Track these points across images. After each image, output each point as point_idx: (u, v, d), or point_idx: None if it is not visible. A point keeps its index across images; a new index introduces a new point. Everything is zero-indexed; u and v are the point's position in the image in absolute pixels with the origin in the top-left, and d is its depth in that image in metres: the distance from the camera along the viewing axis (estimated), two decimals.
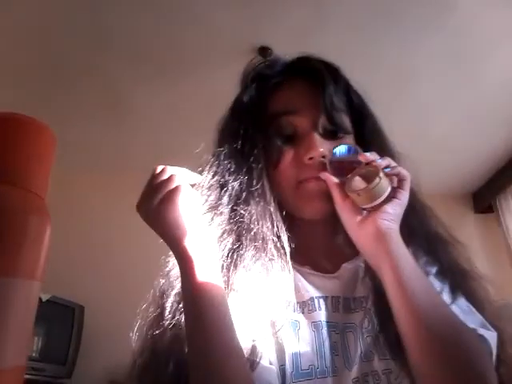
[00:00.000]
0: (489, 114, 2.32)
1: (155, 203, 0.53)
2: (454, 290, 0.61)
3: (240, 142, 0.67)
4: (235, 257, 0.61)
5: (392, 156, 0.68)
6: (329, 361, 0.60)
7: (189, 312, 0.53)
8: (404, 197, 0.59)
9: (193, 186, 0.59)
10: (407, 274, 0.55)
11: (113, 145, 2.58)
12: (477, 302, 0.62)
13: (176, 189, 0.53)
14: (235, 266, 0.60)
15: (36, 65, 2.04)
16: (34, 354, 1.97)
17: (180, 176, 0.56)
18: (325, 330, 0.62)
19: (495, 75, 2.07)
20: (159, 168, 0.58)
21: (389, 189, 0.58)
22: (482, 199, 3.00)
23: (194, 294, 0.52)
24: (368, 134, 0.70)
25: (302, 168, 0.64)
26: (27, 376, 1.74)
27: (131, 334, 0.60)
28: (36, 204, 0.33)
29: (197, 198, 0.56)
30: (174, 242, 0.54)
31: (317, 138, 0.64)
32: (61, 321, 2.19)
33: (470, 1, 1.71)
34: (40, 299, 0.33)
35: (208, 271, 0.53)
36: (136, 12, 1.78)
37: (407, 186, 0.60)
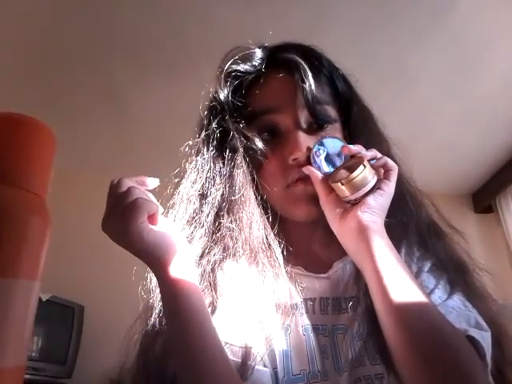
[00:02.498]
0: (489, 114, 2.32)
1: (116, 219, 0.51)
2: (450, 285, 0.59)
3: (219, 146, 0.64)
4: (224, 266, 0.59)
5: (381, 143, 0.66)
6: (320, 365, 0.58)
7: (169, 320, 0.52)
8: (389, 188, 0.56)
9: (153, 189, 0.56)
10: (389, 272, 0.52)
11: (113, 144, 2.58)
12: (474, 296, 0.60)
13: (134, 202, 0.50)
14: (225, 275, 0.59)
15: (36, 65, 2.04)
16: (33, 354, 1.96)
17: (137, 187, 0.53)
18: (312, 334, 0.59)
19: (495, 75, 2.07)
20: (115, 181, 0.54)
21: (373, 179, 0.56)
22: (482, 199, 3.00)
23: (172, 302, 0.51)
24: (356, 121, 0.67)
25: (287, 170, 0.62)
26: (27, 376, 1.74)
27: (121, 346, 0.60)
28: (36, 204, 0.33)
29: (157, 208, 0.53)
30: (142, 255, 0.52)
31: (300, 136, 0.61)
32: (61, 321, 2.19)
33: (470, 1, 1.71)
34: (40, 299, 0.33)
35: (182, 276, 0.52)
36: (136, 12, 1.78)
37: (393, 176, 0.57)
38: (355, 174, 0.54)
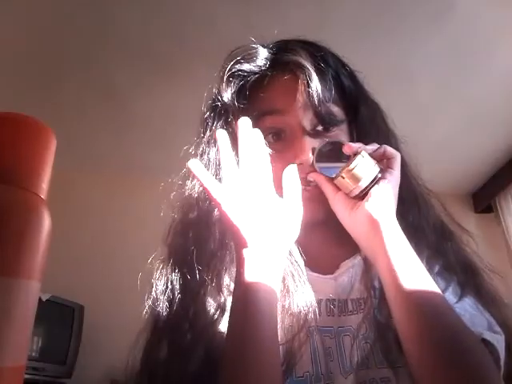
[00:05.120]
0: (489, 114, 2.32)
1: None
2: (461, 287, 0.58)
3: None
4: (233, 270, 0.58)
5: (390, 141, 0.64)
6: (324, 367, 0.57)
7: (239, 311, 0.50)
8: (393, 176, 0.55)
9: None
10: (402, 265, 0.51)
11: (113, 145, 2.58)
12: (485, 298, 0.58)
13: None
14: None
15: (36, 65, 2.04)
16: (33, 354, 1.96)
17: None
18: (317, 336, 0.58)
19: (495, 75, 2.08)
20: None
21: (375, 169, 0.55)
22: (482, 199, 3.00)
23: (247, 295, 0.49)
24: (363, 120, 0.66)
25: None
26: (27, 376, 1.74)
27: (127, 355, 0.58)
28: (36, 204, 0.33)
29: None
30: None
31: (306, 140, 0.60)
32: (61, 321, 2.19)
33: (470, 1, 1.71)
34: (40, 299, 0.33)
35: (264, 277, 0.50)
36: (136, 11, 1.78)
37: (396, 164, 0.56)
38: (353, 164, 0.54)
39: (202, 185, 0.54)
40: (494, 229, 2.87)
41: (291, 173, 0.56)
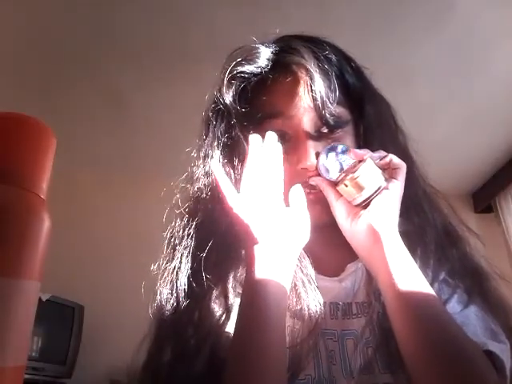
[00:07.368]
0: (489, 114, 2.32)
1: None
2: (467, 294, 0.57)
3: (228, 152, 0.62)
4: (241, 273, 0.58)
5: (397, 139, 0.63)
6: (326, 371, 0.56)
7: (249, 305, 0.50)
8: (396, 187, 0.54)
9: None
10: (402, 277, 0.50)
11: (113, 144, 2.58)
12: (492, 304, 0.57)
13: None
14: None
15: (36, 64, 2.04)
16: (33, 354, 1.96)
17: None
18: (321, 339, 0.58)
19: (495, 75, 2.07)
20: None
21: (379, 179, 0.54)
22: (482, 199, 3.00)
23: (257, 293, 0.49)
24: (370, 118, 0.64)
25: (295, 177, 0.59)
26: (27, 376, 1.74)
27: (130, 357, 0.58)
28: (36, 204, 0.33)
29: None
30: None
31: (309, 144, 0.59)
32: (60, 320, 2.19)
33: (470, 1, 1.71)
34: (40, 299, 0.33)
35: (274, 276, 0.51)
36: (136, 12, 1.78)
37: (401, 175, 0.55)
38: (357, 173, 0.53)
39: (219, 189, 0.55)
40: (493, 229, 2.86)
41: (297, 192, 0.57)
